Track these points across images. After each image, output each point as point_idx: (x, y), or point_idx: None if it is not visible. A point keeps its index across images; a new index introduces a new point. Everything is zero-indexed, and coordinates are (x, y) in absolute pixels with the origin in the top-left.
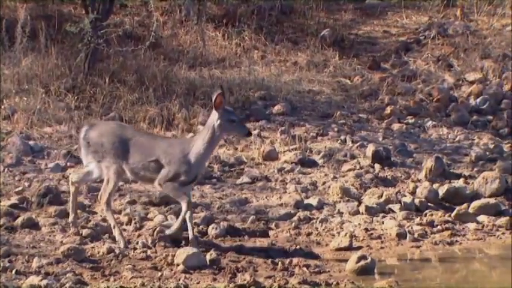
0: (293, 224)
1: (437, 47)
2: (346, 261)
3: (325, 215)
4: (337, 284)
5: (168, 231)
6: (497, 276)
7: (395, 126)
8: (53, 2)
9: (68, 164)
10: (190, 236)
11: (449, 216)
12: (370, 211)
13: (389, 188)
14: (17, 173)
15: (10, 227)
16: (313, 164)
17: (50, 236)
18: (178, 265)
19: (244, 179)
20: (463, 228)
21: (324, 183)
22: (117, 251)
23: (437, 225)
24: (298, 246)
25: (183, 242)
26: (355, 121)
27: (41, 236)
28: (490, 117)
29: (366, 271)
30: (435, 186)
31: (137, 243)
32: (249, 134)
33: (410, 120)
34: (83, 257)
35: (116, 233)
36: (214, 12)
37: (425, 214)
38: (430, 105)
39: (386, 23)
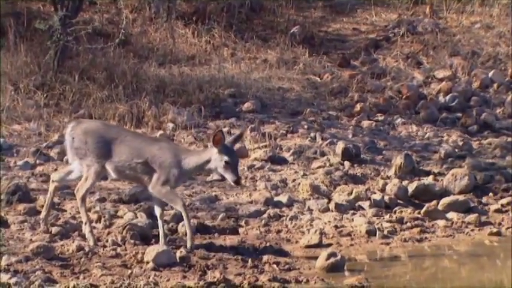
0: (263, 222)
1: (407, 45)
2: (316, 258)
3: (295, 213)
4: (307, 281)
5: (188, 246)
6: (466, 273)
7: (365, 123)
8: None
9: (37, 161)
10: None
11: (419, 213)
12: (340, 208)
13: (359, 185)
14: None
15: None
16: (283, 161)
17: (19, 233)
18: (148, 263)
19: (214, 176)
20: (433, 225)
21: (294, 180)
22: (86, 249)
23: (406, 222)
24: (268, 244)
25: (153, 240)
26: (325, 118)
27: (10, 234)
28: (459, 115)
29: (335, 268)
30: (404, 183)
31: (107, 240)
32: (237, 182)
33: (380, 117)
34: (53, 254)
35: (86, 230)
36: (184, 10)
37: (395, 211)
38: (400, 102)
39: (356, 21)
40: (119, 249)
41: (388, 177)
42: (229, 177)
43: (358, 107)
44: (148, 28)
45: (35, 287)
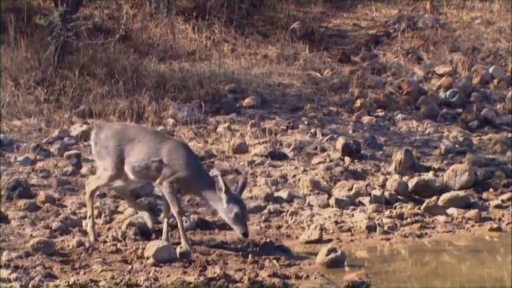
0: (263, 217)
1: (407, 40)
2: (316, 254)
3: (295, 208)
4: (307, 276)
5: (183, 247)
6: (466, 269)
7: (365, 119)
8: None
9: (38, 157)
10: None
11: (419, 208)
12: (340, 204)
13: (359, 181)
14: None
15: None
16: (283, 157)
17: (19, 229)
18: (148, 258)
19: (215, 172)
20: (433, 221)
21: (294, 176)
22: (87, 245)
23: (407, 218)
24: (268, 239)
25: (153, 235)
26: (325, 114)
27: (10, 230)
28: (460, 110)
29: (335, 264)
30: (405, 179)
31: (107, 236)
32: (245, 235)
33: (380, 113)
34: (53, 250)
35: (88, 224)
36: (184, 5)
37: (395, 207)
38: (400, 98)
39: (356, 16)
40: (119, 245)
41: (389, 173)
42: (238, 229)
43: (358, 102)
44: (149, 24)
45: (35, 283)
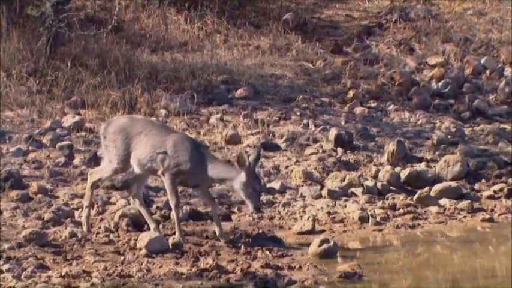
0: None
1: (399, 31)
2: (308, 244)
3: (288, 199)
4: (300, 267)
5: (177, 236)
6: (458, 259)
7: (358, 110)
8: None
9: (30, 148)
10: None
11: (411, 199)
12: (333, 195)
13: (352, 171)
14: None
15: None
16: (275, 147)
17: (11, 220)
18: (140, 249)
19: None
20: (425, 212)
21: (287, 167)
22: (79, 236)
23: (399, 209)
24: (260, 230)
25: (146, 226)
26: (318, 105)
27: (2, 221)
28: (452, 101)
29: (328, 254)
30: (397, 169)
31: (100, 227)
32: (258, 209)
33: (373, 104)
34: (45, 241)
35: (84, 214)
36: None
37: (388, 198)
38: (392, 89)
39: (349, 7)
40: (111, 236)
41: (381, 164)
42: (252, 203)
43: (350, 93)
44: (141, 14)
45: (27, 274)
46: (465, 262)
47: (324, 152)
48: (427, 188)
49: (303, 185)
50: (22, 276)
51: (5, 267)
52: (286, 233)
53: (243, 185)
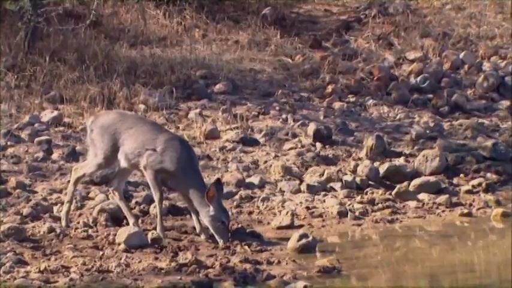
0: (235, 203)
1: (378, 26)
2: (287, 239)
3: (267, 194)
4: (279, 262)
5: (158, 231)
6: (437, 254)
7: (337, 104)
8: None
9: (8, 143)
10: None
11: (390, 194)
12: (312, 190)
13: (331, 166)
14: None
15: None
16: (254, 142)
17: None
18: (119, 244)
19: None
20: (404, 206)
21: (266, 162)
22: (58, 231)
23: (378, 204)
24: (239, 225)
25: (125, 221)
26: (297, 100)
27: None
28: (430, 96)
29: (307, 249)
30: (376, 164)
31: (78, 222)
32: (227, 243)
33: (351, 98)
34: (24, 236)
35: (64, 209)
36: None
37: (366, 192)
38: (371, 83)
39: (327, 2)
40: (90, 231)
41: (360, 159)
42: (221, 239)
43: (329, 88)
44: (120, 9)
45: (6, 269)
46: (443, 256)
47: (303, 146)
48: (405, 183)
49: (281, 180)
50: (0, 272)
51: None
52: (265, 227)
53: (211, 219)
